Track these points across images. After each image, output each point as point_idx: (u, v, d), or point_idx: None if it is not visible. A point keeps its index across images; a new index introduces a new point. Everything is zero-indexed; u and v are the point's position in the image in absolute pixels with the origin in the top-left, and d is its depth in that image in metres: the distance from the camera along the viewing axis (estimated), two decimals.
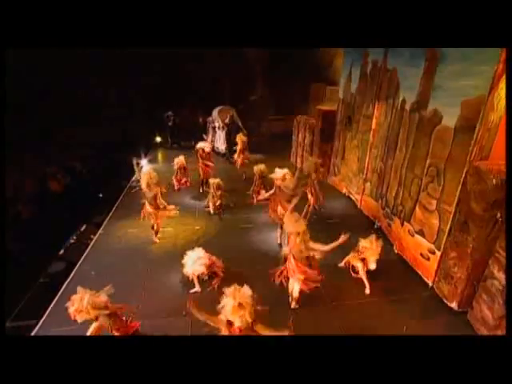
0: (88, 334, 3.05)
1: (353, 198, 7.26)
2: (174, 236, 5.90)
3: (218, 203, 6.65)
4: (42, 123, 10.37)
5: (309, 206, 6.06)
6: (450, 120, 4.10)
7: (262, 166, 6.73)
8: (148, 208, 5.34)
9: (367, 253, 4.46)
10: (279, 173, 5.33)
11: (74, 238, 6.27)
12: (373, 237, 4.55)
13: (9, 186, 8.30)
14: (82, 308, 2.93)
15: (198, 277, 4.50)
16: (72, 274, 4.82)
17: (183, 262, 4.51)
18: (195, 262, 4.43)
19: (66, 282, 4.71)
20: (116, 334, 3.13)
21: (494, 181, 3.40)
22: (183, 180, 7.58)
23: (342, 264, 4.87)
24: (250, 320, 2.49)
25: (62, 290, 4.53)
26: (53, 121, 10.93)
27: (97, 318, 3.03)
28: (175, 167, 7.54)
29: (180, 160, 7.49)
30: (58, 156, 9.86)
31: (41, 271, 5.64)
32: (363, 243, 4.50)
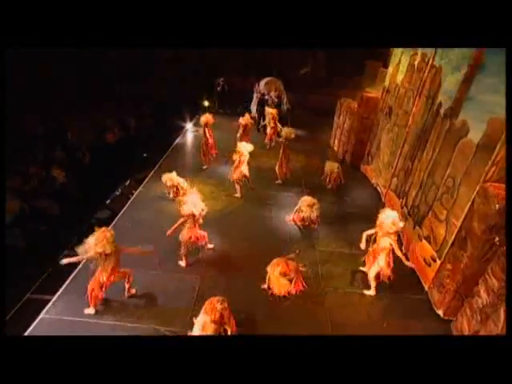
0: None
1: (379, 190, 7.29)
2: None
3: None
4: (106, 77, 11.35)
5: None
6: (475, 135, 4.01)
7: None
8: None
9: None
10: None
11: (119, 190, 7.25)
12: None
13: (74, 134, 9.52)
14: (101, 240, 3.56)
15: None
16: (113, 223, 5.74)
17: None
18: (194, 203, 4.46)
19: (109, 227, 5.65)
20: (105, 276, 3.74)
21: (497, 206, 3.41)
22: (211, 153, 7.96)
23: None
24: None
25: None
26: (116, 75, 11.86)
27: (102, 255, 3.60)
28: (202, 123, 7.69)
29: (207, 117, 7.63)
30: (116, 110, 10.87)
31: (91, 215, 6.71)
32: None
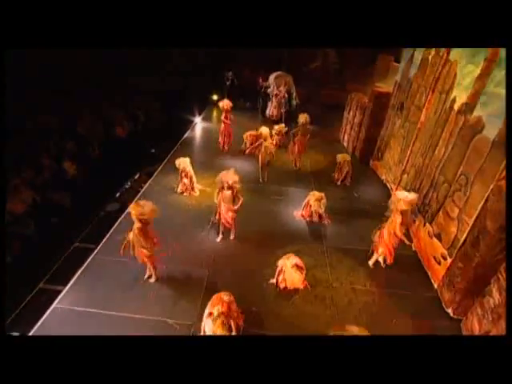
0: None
1: (388, 187, 7.21)
2: (210, 196, 6.58)
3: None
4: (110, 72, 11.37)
5: None
6: (491, 131, 3.92)
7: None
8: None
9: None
10: None
11: (129, 183, 7.31)
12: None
13: (84, 128, 9.59)
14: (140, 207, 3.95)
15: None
16: (123, 216, 5.79)
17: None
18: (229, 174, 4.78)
19: (119, 220, 5.71)
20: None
21: None
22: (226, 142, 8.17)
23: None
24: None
25: (114, 227, 5.52)
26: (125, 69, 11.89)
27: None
28: (221, 108, 8.02)
29: (225, 102, 7.94)
30: (125, 104, 10.91)
31: (101, 207, 6.79)
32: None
